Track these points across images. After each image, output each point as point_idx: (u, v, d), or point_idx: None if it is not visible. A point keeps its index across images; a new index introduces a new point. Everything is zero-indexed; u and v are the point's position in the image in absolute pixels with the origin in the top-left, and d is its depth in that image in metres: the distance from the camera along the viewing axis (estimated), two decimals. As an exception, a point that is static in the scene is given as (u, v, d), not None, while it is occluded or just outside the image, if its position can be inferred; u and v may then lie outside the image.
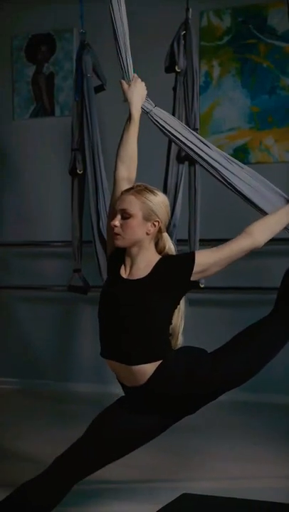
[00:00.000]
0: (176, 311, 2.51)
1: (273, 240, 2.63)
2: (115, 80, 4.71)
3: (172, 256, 2.54)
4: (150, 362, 2.42)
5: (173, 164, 3.90)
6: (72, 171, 4.17)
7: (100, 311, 2.54)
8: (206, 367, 2.45)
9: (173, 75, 3.99)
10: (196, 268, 2.43)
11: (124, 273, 2.51)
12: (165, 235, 2.55)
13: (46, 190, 5.30)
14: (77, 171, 4.14)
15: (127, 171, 2.62)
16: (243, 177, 2.73)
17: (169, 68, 3.97)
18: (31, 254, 5.33)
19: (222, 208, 4.76)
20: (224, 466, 3.36)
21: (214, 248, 2.48)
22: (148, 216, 2.46)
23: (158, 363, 2.42)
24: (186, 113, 3.94)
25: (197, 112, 3.95)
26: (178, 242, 4.01)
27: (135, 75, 2.76)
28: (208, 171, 2.76)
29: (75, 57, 4.45)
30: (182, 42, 3.88)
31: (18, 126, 5.39)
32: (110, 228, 2.52)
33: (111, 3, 2.69)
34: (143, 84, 2.77)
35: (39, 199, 5.33)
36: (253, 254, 2.62)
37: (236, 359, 2.47)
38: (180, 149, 3.63)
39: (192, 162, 3.89)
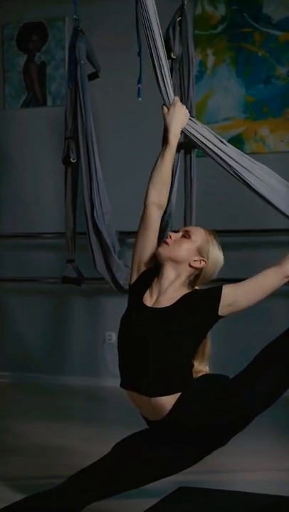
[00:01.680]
0: (202, 345, 2.46)
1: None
2: (109, 67, 4.70)
3: (199, 289, 2.50)
4: (169, 394, 2.36)
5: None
6: (66, 160, 4.11)
7: (121, 340, 2.47)
8: (229, 395, 2.38)
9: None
10: (223, 299, 2.38)
11: (148, 301, 2.46)
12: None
13: (38, 181, 5.26)
14: (71, 159, 4.08)
15: (158, 196, 2.57)
16: (257, 174, 2.67)
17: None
18: (23, 245, 5.28)
19: (219, 198, 4.73)
20: (222, 459, 3.30)
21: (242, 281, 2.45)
22: (201, 251, 2.46)
23: (177, 395, 2.36)
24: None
25: (193, 100, 3.89)
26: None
27: (176, 98, 2.67)
28: (223, 167, 2.69)
29: (67, 44, 4.39)
30: (178, 28, 3.82)
31: (9, 116, 5.34)
32: (138, 253, 2.52)
33: (150, 26, 2.61)
34: (184, 108, 2.68)
35: (31, 190, 5.29)
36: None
37: (260, 383, 2.38)
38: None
39: (188, 150, 3.84)
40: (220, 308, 2.38)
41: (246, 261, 4.46)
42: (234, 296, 2.39)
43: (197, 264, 2.46)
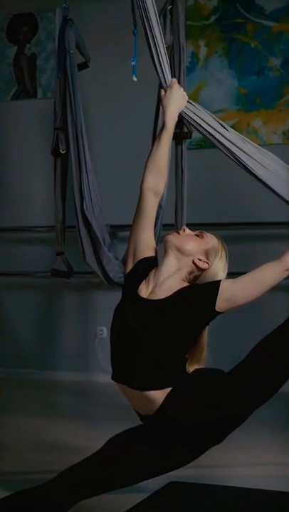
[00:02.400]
0: (199, 349, 2.39)
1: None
2: (99, 57, 4.65)
3: (197, 284, 2.42)
4: (160, 388, 2.29)
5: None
6: (55, 151, 4.07)
7: (113, 331, 2.41)
8: (222, 390, 2.30)
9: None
10: (221, 294, 2.30)
11: (144, 292, 2.39)
12: None
13: (28, 174, 5.22)
14: (60, 150, 4.04)
15: (155, 182, 2.48)
16: (260, 160, 2.59)
17: (155, 44, 3.84)
18: (13, 239, 5.24)
19: (210, 190, 4.68)
20: (216, 453, 3.25)
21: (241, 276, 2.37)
22: (208, 254, 2.40)
23: (168, 389, 2.29)
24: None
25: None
26: (164, 226, 3.93)
27: (174, 80, 2.59)
28: (224, 153, 2.61)
29: (57, 33, 4.34)
30: (168, 17, 3.78)
31: (-1, 109, 5.29)
32: (133, 241, 2.46)
33: (144, 3, 2.51)
34: (181, 90, 2.57)
35: (21, 183, 5.25)
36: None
37: (255, 378, 2.30)
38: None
39: (179, 141, 3.80)
40: (217, 303, 2.30)
41: (244, 254, 4.42)
42: (232, 291, 2.31)
43: (201, 264, 2.40)
